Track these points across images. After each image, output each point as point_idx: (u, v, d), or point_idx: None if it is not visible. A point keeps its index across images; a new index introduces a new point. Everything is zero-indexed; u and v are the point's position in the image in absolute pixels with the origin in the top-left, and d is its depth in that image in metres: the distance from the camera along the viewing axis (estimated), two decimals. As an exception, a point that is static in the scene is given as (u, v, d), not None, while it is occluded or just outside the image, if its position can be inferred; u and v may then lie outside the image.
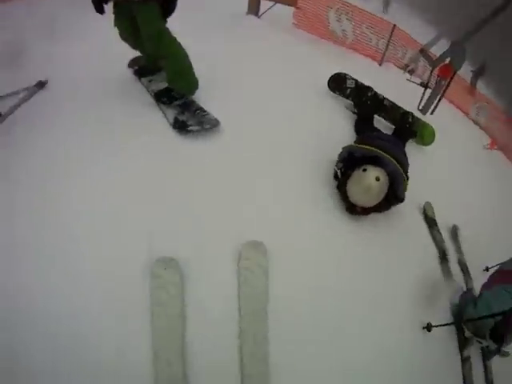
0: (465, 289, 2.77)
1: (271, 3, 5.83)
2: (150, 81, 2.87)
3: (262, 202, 2.26)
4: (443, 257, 2.84)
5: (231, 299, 1.86)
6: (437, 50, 7.02)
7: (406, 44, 7.92)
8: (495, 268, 2.63)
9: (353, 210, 2.50)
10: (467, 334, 2.43)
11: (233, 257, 1.96)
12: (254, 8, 5.77)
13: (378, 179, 2.41)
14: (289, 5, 5.99)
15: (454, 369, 2.30)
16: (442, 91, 5.08)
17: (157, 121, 2.57)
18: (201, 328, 1.74)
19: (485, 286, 2.53)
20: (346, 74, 3.50)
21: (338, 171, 2.58)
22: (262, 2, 5.82)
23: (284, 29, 5.62)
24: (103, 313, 1.65)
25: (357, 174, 2.46)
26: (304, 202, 2.43)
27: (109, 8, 2.44)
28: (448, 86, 5.26)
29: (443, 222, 3.07)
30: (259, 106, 2.89)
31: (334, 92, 3.52)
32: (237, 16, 5.47)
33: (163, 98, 2.68)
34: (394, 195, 2.55)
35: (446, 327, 2.31)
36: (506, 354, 2.27)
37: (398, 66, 7.66)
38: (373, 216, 2.56)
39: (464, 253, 3.07)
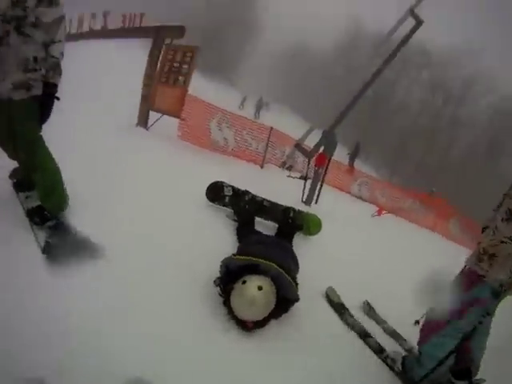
0: (404, 353, 2.67)
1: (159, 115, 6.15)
2: (26, 197, 2.61)
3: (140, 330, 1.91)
4: (365, 336, 2.74)
5: None
6: (312, 142, 7.95)
7: (284, 143, 8.80)
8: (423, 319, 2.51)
9: (244, 325, 2.27)
10: None
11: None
12: (143, 120, 6.07)
13: (260, 288, 2.26)
14: (174, 116, 6.30)
15: None
16: (321, 179, 5.55)
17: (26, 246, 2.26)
18: None
19: (420, 343, 2.45)
20: (222, 183, 3.56)
21: (218, 288, 2.42)
22: (151, 114, 6.14)
23: (170, 140, 5.92)
24: None
25: (237, 287, 2.30)
26: (191, 326, 2.14)
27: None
28: (325, 173, 5.79)
29: (352, 302, 3.03)
30: (138, 221, 2.78)
31: (214, 202, 3.53)
32: (127, 128, 5.67)
33: (35, 217, 2.44)
34: (284, 299, 2.40)
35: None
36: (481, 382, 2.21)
37: (278, 166, 8.36)
38: (275, 322, 2.38)
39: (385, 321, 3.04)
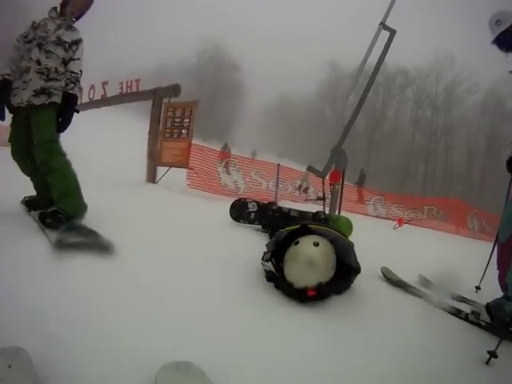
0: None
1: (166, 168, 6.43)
2: (40, 213, 2.44)
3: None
4: (435, 302, 2.55)
5: None
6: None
7: (293, 177, 8.85)
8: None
9: (304, 295, 2.01)
10: None
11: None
12: (151, 176, 6.34)
13: (316, 244, 2.02)
14: (181, 167, 6.57)
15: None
16: (339, 195, 5.59)
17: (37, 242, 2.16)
18: None
19: (502, 278, 2.36)
20: (245, 199, 3.57)
21: (269, 264, 2.14)
22: (158, 169, 6.41)
23: (180, 190, 6.07)
24: None
25: (290, 251, 2.06)
26: (238, 308, 1.96)
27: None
28: (342, 187, 5.85)
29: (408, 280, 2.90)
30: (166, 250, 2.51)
31: (239, 221, 3.48)
32: (136, 184, 5.85)
33: (49, 219, 2.32)
34: (345, 266, 2.15)
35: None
36: None
37: (291, 200, 8.31)
38: (335, 303, 2.16)
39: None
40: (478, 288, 3.11)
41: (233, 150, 14.27)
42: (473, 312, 2.43)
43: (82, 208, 2.51)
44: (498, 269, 2.43)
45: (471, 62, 36.33)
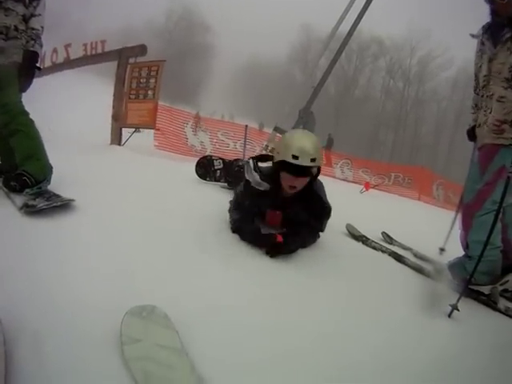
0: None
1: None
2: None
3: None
4: (399, 257, 2.71)
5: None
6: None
7: (261, 138, 8.89)
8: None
9: (272, 240, 2.11)
10: (485, 289, 2.31)
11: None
12: (116, 138, 6.18)
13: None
14: (147, 128, 6.49)
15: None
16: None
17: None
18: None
19: (465, 237, 2.50)
20: (211, 156, 3.55)
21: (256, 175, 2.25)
22: (124, 132, 6.26)
23: (147, 152, 5.89)
24: None
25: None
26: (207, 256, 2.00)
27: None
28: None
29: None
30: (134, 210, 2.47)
31: (205, 179, 3.46)
32: (100, 146, 5.68)
33: (13, 182, 2.28)
34: (318, 202, 2.31)
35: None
36: None
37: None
38: (301, 255, 2.25)
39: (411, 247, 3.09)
40: (442, 250, 3.25)
41: (201, 113, 14.06)
42: (435, 269, 2.48)
43: (47, 169, 2.42)
44: (460, 229, 2.54)
45: (447, 38, 36.74)
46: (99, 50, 6.57)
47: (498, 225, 2.29)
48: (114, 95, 6.28)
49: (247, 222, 2.26)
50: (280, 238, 2.11)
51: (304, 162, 2.10)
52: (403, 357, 1.59)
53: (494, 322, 2.16)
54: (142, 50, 6.21)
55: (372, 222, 3.50)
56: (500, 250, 2.38)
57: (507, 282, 2.44)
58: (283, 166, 2.16)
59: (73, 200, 2.19)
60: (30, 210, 2.03)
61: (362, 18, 6.73)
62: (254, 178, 2.26)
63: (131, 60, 6.30)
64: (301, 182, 2.21)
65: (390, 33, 39.48)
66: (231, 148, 8.13)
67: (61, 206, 2.13)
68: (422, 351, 1.67)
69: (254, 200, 2.29)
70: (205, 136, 7.69)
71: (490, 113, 2.41)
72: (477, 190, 2.41)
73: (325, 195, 2.39)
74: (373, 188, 9.06)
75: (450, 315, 2.00)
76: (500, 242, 2.38)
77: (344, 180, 10.59)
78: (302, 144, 2.13)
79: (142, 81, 6.32)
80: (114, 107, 6.27)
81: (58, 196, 2.23)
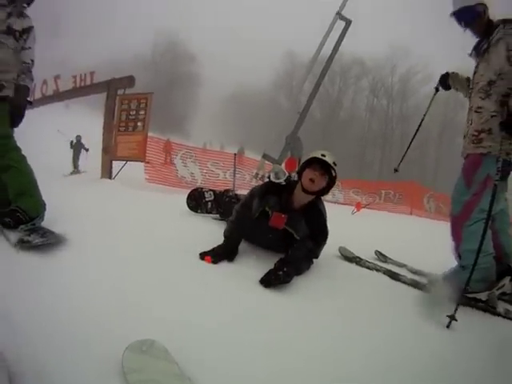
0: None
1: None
2: None
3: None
4: (393, 274, 2.75)
5: None
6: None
7: (250, 166, 8.98)
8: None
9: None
10: (482, 295, 2.35)
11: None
12: (106, 171, 6.16)
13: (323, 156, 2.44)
14: (138, 161, 6.49)
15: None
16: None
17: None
18: None
19: (457, 248, 2.55)
20: (202, 188, 3.56)
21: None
22: (115, 164, 6.26)
23: (138, 186, 5.91)
24: None
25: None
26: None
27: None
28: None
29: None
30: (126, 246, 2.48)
31: (196, 211, 3.46)
32: (91, 180, 5.70)
33: (7, 218, 2.26)
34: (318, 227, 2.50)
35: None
36: None
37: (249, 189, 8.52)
38: (294, 281, 2.26)
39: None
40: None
41: (189, 142, 14.19)
42: (429, 282, 2.56)
43: (40, 206, 2.43)
44: (452, 240, 2.60)
45: (426, 53, 37.86)
46: (88, 82, 6.66)
47: (489, 232, 2.34)
48: (104, 127, 6.32)
49: (248, 213, 2.48)
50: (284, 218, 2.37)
51: (329, 160, 2.42)
52: (401, 373, 1.60)
53: (494, 327, 2.20)
54: (130, 81, 6.32)
55: (365, 242, 3.54)
56: (493, 256, 2.42)
57: (504, 285, 2.48)
58: (310, 162, 2.45)
59: (66, 237, 2.19)
60: (25, 246, 2.04)
61: (341, 41, 6.93)
62: (274, 172, 2.57)
63: (120, 92, 6.39)
64: (320, 180, 2.44)
65: (370, 53, 40.60)
66: (221, 178, 8.22)
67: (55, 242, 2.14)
68: (420, 366, 1.68)
69: (264, 198, 2.48)
70: (194, 167, 7.74)
71: (471, 124, 2.53)
72: (464, 202, 2.48)
73: (326, 217, 2.55)
74: (364, 208, 9.12)
75: (448, 326, 2.02)
76: (492, 249, 2.43)
77: (335, 203, 10.66)
78: (327, 152, 2.49)
79: (132, 113, 6.40)
80: (103, 140, 6.30)
81: (51, 232, 2.23)
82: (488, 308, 2.35)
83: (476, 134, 2.46)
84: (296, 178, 2.57)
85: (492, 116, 2.39)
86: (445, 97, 38.40)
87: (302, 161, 2.55)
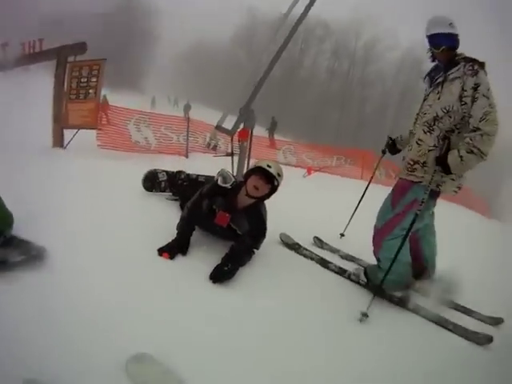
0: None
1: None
2: None
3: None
4: (325, 262, 3.15)
5: None
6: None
7: (204, 130, 9.07)
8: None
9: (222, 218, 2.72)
10: (398, 293, 2.75)
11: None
12: (58, 140, 6.10)
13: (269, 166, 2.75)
14: (90, 128, 6.45)
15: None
16: (247, 152, 5.94)
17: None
18: None
19: (376, 252, 2.85)
20: (156, 169, 3.75)
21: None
22: (65, 132, 6.17)
23: (91, 153, 5.90)
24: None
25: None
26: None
27: None
28: (251, 145, 6.19)
29: (304, 243, 3.47)
30: (82, 224, 2.76)
31: (151, 190, 3.69)
32: (43, 150, 5.60)
33: None
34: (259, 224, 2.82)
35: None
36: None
37: (202, 152, 8.58)
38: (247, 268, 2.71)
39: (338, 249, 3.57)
40: (341, 235, 3.96)
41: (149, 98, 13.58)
42: (354, 273, 3.03)
43: (8, 217, 2.34)
44: (372, 245, 2.93)
45: (393, 22, 38.07)
46: (37, 49, 6.36)
47: (407, 243, 2.69)
48: (54, 96, 6.15)
49: (198, 210, 2.76)
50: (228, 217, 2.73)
51: (274, 172, 2.73)
52: (318, 363, 2.00)
53: (404, 319, 2.66)
54: (81, 47, 6.11)
55: (312, 207, 4.29)
56: (409, 264, 2.76)
57: (419, 287, 2.93)
58: (256, 171, 2.76)
59: (45, 249, 2.20)
60: (2, 267, 2.02)
61: (312, 4, 6.84)
62: (222, 176, 2.82)
63: (70, 59, 6.18)
64: (263, 188, 2.75)
65: (336, 18, 39.96)
66: (175, 141, 8.34)
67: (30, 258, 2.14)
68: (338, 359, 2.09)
69: (212, 198, 2.79)
70: (148, 131, 7.77)
71: (410, 150, 2.75)
72: (387, 219, 2.78)
73: (266, 217, 2.86)
74: (315, 172, 9.58)
75: (361, 320, 2.44)
76: (409, 258, 2.76)
77: (287, 164, 10.97)
78: (273, 163, 2.85)
79: (83, 80, 6.24)
80: (54, 108, 6.15)
81: (27, 242, 2.23)
82: (400, 303, 2.76)
83: (411, 163, 2.67)
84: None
85: (429, 150, 2.58)
86: (409, 66, 39.06)
87: (250, 166, 2.90)
